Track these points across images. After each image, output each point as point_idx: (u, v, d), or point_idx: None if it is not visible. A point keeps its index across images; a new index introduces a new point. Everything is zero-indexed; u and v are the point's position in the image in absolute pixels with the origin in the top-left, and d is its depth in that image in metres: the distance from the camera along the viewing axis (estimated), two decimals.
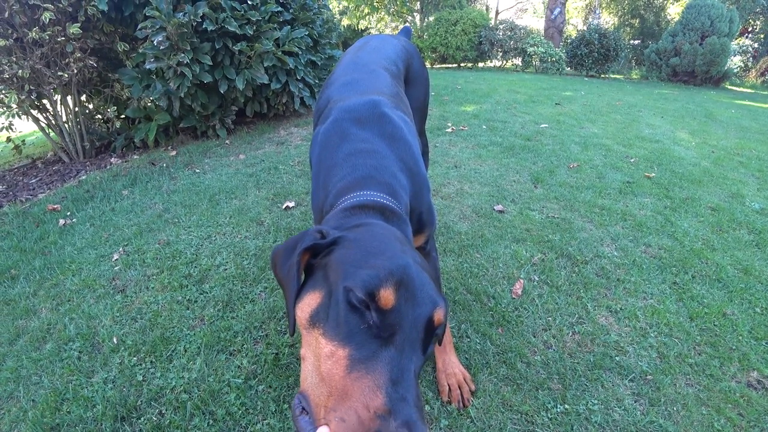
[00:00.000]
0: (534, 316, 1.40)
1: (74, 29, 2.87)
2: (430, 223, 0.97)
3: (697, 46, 8.76)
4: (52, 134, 3.49)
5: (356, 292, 0.52)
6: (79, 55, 3.05)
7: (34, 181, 3.21)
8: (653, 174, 2.73)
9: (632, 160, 2.99)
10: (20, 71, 2.85)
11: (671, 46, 9.24)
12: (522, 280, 1.57)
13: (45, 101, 3.34)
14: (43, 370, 1.26)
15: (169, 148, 3.51)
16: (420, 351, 0.53)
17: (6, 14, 2.72)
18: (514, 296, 1.49)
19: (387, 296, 0.52)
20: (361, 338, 0.50)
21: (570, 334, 1.33)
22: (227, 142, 3.50)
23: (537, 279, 1.59)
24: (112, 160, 3.46)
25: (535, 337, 1.31)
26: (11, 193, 2.98)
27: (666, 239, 1.92)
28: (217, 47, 3.16)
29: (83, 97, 3.65)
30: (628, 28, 15.97)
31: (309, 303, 0.58)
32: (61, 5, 2.80)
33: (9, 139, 3.41)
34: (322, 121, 1.03)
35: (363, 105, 0.95)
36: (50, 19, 2.75)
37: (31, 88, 3.08)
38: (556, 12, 12.95)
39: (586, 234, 1.92)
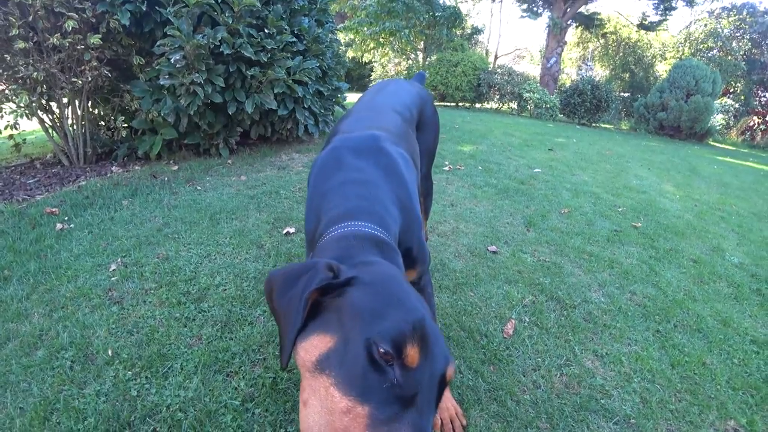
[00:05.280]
0: (524, 356, 1.44)
1: (95, 39, 2.96)
2: (421, 260, 0.97)
3: (683, 103, 9.29)
4: (54, 136, 3.51)
5: (381, 346, 0.50)
6: (95, 64, 3.13)
7: (32, 181, 3.20)
8: (639, 224, 2.86)
9: (620, 210, 3.12)
10: (35, 73, 2.92)
11: (659, 101, 9.78)
12: (513, 321, 1.62)
13: (53, 103, 3.38)
14: (33, 377, 1.25)
15: (171, 162, 3.55)
16: (434, 408, 0.53)
17: (30, 18, 2.81)
18: (505, 336, 1.54)
19: (413, 354, 0.51)
20: (381, 396, 0.48)
21: (558, 376, 1.37)
22: (229, 161, 3.56)
23: (527, 320, 1.65)
24: (113, 168, 3.48)
25: (524, 376, 1.35)
26: (8, 191, 2.95)
27: (650, 288, 2.01)
28: (231, 70, 3.28)
29: (90, 103, 3.70)
30: (619, 81, 16.88)
31: (317, 345, 0.55)
32: (85, 15, 2.90)
33: (11, 137, 3.42)
34: (322, 149, 1.08)
35: (363, 137, 0.99)
36: (73, 28, 2.84)
37: (43, 90, 3.14)
38: (552, 61, 13.66)
39: (575, 279, 2.00)
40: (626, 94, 15.24)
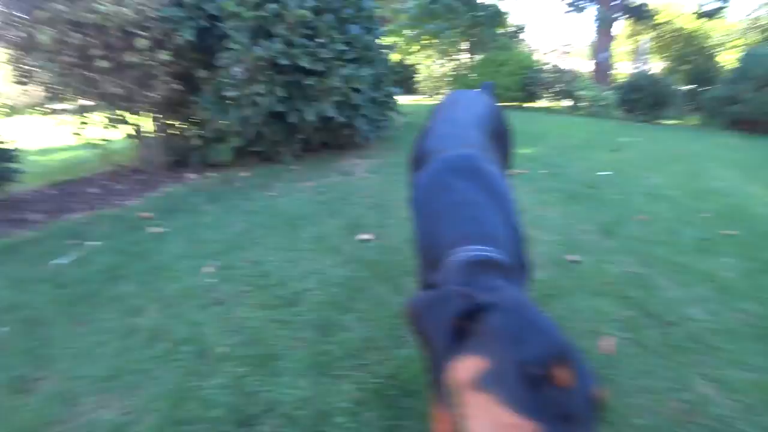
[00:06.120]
0: (628, 377, 1.37)
1: (165, 55, 3.20)
2: (530, 275, 0.98)
3: (759, 94, 8.47)
4: (135, 145, 3.83)
5: (536, 368, 0.55)
6: (166, 78, 3.37)
7: (122, 187, 3.49)
8: (732, 232, 2.61)
9: (705, 216, 2.90)
10: (115, 89, 3.20)
11: (729, 94, 8.99)
12: (612, 337, 1.55)
13: (132, 115, 3.69)
14: (160, 367, 1.36)
15: (241, 168, 3.74)
16: (594, 429, 0.55)
17: (107, 38, 3.08)
18: (602, 352, 1.48)
19: (565, 376, 0.55)
20: (545, 415, 0.53)
21: (671, 401, 1.28)
22: (294, 168, 3.70)
23: (625, 337, 1.56)
24: (189, 175, 3.73)
25: (633, 399, 1.28)
26: (104, 197, 3.24)
27: (758, 306, 1.81)
28: (290, 81, 3.40)
29: (163, 115, 3.99)
30: (679, 73, 15.69)
31: (469, 367, 0.60)
32: (153, 34, 3.14)
33: (99, 147, 3.76)
34: (421, 167, 1.11)
35: (460, 157, 1.02)
36: (144, 45, 3.09)
37: (122, 104, 3.43)
38: (603, 55, 12.99)
39: (669, 293, 1.87)
40: (689, 87, 14.14)
